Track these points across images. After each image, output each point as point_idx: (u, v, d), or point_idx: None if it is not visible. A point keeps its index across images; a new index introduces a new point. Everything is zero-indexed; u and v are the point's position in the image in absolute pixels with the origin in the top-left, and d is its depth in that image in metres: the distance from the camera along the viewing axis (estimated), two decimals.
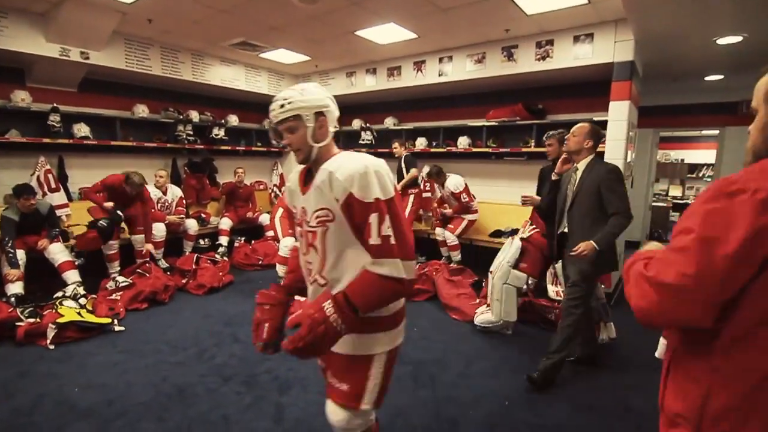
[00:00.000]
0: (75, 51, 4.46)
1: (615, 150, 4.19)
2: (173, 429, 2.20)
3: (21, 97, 4.53)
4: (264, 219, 6.02)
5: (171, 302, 4.10)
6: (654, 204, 7.54)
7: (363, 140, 6.48)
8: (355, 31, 4.62)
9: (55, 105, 4.67)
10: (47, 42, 4.25)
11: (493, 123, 5.38)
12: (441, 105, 6.20)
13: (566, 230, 2.76)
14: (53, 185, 4.75)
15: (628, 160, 4.47)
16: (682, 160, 10.27)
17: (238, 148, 6.62)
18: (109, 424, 2.23)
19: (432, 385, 2.67)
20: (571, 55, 4.37)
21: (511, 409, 2.44)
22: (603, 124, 4.38)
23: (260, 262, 5.37)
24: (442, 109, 6.19)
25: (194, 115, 6.01)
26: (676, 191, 10.28)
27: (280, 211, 4.54)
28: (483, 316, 3.53)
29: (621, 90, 4.14)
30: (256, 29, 4.65)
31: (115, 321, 3.50)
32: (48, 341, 3.11)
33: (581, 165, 2.68)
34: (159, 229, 4.84)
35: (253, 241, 5.84)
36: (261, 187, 7.08)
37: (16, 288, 3.72)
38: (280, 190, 6.87)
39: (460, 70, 5.17)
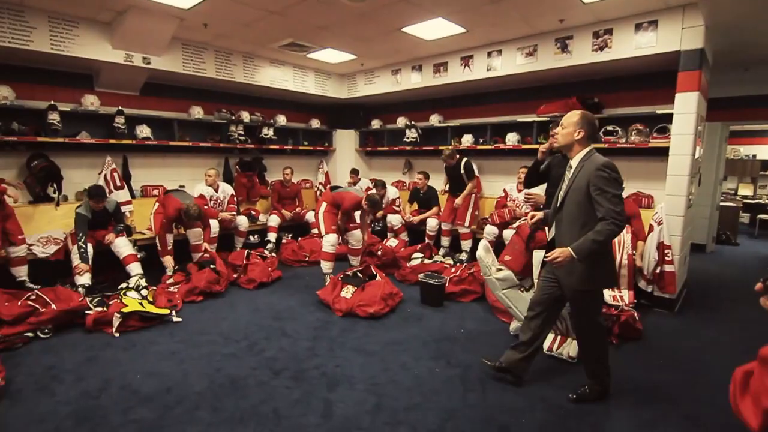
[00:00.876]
0: (138, 56, 4.73)
1: (682, 145, 3.89)
2: (227, 419, 2.27)
3: (90, 101, 4.87)
4: (310, 216, 6.14)
5: (224, 296, 4.26)
6: (722, 204, 6.96)
7: (408, 138, 6.44)
8: (402, 27, 4.58)
9: (120, 108, 4.98)
10: (113, 49, 4.54)
11: (545, 118, 5.15)
12: (488, 100, 6.03)
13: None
14: (118, 183, 5.08)
15: (696, 156, 4.13)
16: (754, 156, 9.42)
17: (285, 147, 6.78)
18: (168, 411, 2.34)
19: (481, 390, 2.59)
20: (631, 45, 4.09)
21: (566, 420, 2.32)
22: (667, 118, 4.09)
23: (307, 259, 5.47)
24: (490, 105, 6.02)
25: (245, 116, 6.22)
26: (746, 190, 9.45)
27: (324, 206, 4.60)
28: (513, 323, 3.39)
29: (689, 80, 3.83)
30: (305, 29, 4.72)
31: (173, 312, 3.68)
32: (113, 329, 3.32)
33: (574, 161, 2.33)
34: (213, 225, 5.04)
35: (299, 238, 5.97)
36: (307, 185, 7.23)
37: (84, 279, 4.01)
38: (324, 188, 6.97)
39: (510, 64, 4.99)
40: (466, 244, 5.38)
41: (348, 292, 3.95)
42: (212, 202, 5.32)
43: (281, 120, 6.71)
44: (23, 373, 2.71)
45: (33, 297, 3.45)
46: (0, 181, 4.00)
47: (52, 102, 4.50)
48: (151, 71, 4.98)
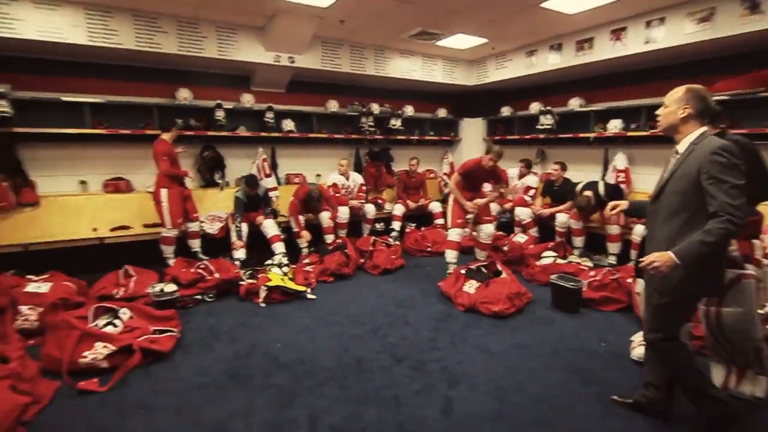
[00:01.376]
0: (284, 56, 5.22)
1: None
2: (352, 398, 2.37)
3: (247, 99, 5.57)
4: (434, 207, 6.11)
5: (352, 279, 4.51)
6: None
7: (542, 125, 5.93)
8: (541, 2, 4.18)
9: (270, 105, 5.58)
10: (265, 51, 5.08)
11: (724, 96, 4.21)
12: (642, 79, 5.19)
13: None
14: (267, 171, 5.74)
15: None
16: None
17: (412, 137, 6.85)
18: (301, 381, 2.55)
19: (627, 417, 2.24)
20: None
21: None
22: None
23: (429, 249, 5.47)
24: (644, 84, 5.17)
25: (375, 108, 6.44)
26: None
27: (455, 178, 4.56)
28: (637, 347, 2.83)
29: None
30: (435, 15, 4.64)
31: (309, 290, 4.02)
32: (260, 300, 3.76)
33: (681, 145, 1.89)
34: (343, 212, 5.37)
35: (423, 228, 6.00)
36: (431, 175, 7.21)
37: (240, 254, 4.65)
38: (449, 179, 6.86)
39: (675, 33, 4.19)
40: (613, 247, 4.78)
41: (471, 287, 3.82)
42: (343, 190, 5.66)
43: (408, 110, 6.78)
44: (192, 330, 3.24)
45: (202, 266, 4.10)
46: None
47: (219, 101, 5.25)
48: (295, 69, 5.46)
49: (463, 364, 2.75)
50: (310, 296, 3.93)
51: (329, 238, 5.24)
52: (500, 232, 5.45)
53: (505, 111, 6.89)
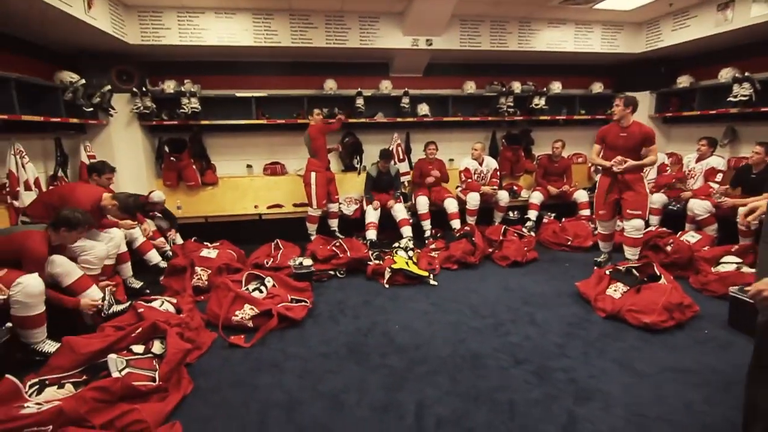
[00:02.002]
0: (422, 39, 5.18)
1: None
2: (462, 393, 2.27)
3: (385, 86, 5.72)
4: (580, 196, 5.43)
5: (477, 268, 4.33)
6: None
7: (735, 96, 4.68)
8: None
9: (406, 90, 5.64)
10: (403, 36, 5.12)
11: None
12: None
13: None
14: (401, 156, 5.87)
15: None
16: None
17: (558, 117, 6.16)
18: (414, 366, 2.55)
19: None
20: None
21: None
22: None
23: (569, 243, 4.90)
24: None
25: (516, 86, 5.97)
26: None
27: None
28: None
29: None
30: None
31: (431, 275, 3.99)
32: (384, 281, 3.89)
33: None
34: (473, 198, 5.16)
35: (564, 219, 5.40)
36: (579, 160, 6.41)
37: (371, 235, 4.88)
38: None
39: None
40: None
41: (617, 290, 3.28)
42: (476, 175, 5.43)
43: (556, 87, 6.09)
44: (323, 302, 3.53)
45: (337, 244, 4.43)
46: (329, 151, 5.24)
47: (359, 89, 5.52)
48: (433, 52, 5.38)
49: (597, 379, 2.38)
50: (432, 282, 3.90)
51: (455, 224, 5.12)
52: (664, 228, 4.55)
53: (683, 81, 5.64)
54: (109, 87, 4.63)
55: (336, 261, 4.20)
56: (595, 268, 3.98)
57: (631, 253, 3.91)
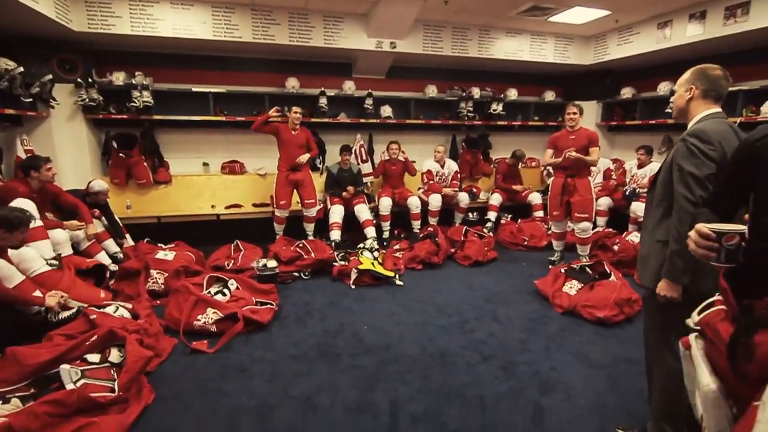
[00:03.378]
0: (386, 42, 5.22)
1: None
2: (434, 391, 2.31)
3: (348, 87, 5.70)
4: (533, 198, 5.70)
5: (441, 268, 4.42)
6: None
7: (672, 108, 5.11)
8: None
9: (369, 91, 5.65)
10: (368, 37, 5.13)
11: None
12: None
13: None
14: (364, 157, 5.86)
15: None
16: None
17: (514, 123, 6.43)
18: (385, 366, 2.56)
19: None
20: None
21: None
22: None
23: (525, 243, 5.13)
24: None
25: (476, 92, 6.15)
26: None
27: None
28: None
29: None
30: None
31: (397, 276, 4.03)
32: (351, 282, 3.87)
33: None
34: (435, 200, 5.26)
35: (520, 220, 5.64)
36: (533, 164, 6.72)
37: (336, 235, 4.83)
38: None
39: None
40: None
41: (572, 287, 3.48)
42: (437, 177, 5.54)
43: (512, 94, 6.36)
44: (289, 304, 3.46)
45: (301, 245, 4.35)
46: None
47: (322, 89, 5.46)
48: (396, 54, 5.43)
49: (559, 372, 2.51)
50: (398, 282, 3.94)
51: (416, 224, 5.21)
52: (611, 230, 4.88)
53: (626, 92, 6.09)
54: (50, 76, 4.25)
55: (300, 262, 4.13)
56: (550, 266, 4.19)
57: (582, 250, 4.18)
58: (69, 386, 1.91)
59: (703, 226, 1.06)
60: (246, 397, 2.25)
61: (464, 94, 6.06)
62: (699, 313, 1.11)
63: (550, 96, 6.60)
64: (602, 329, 3.06)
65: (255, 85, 5.47)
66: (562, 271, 3.72)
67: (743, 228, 1.01)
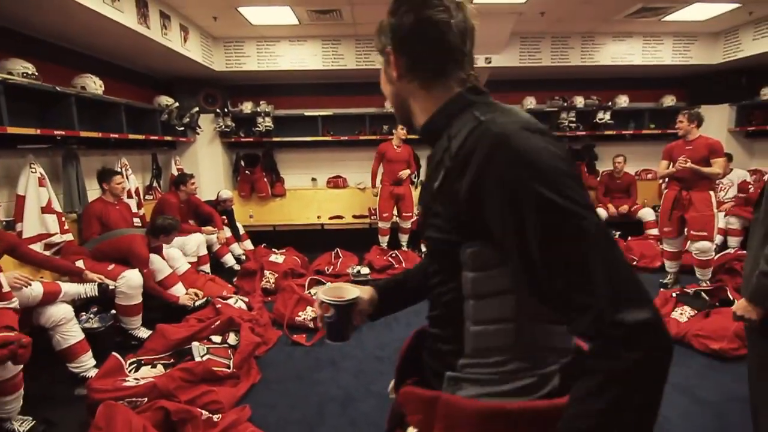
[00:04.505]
0: (481, 58, 5.29)
1: None
2: None
3: None
4: (646, 214, 5.18)
5: None
6: None
7: None
8: None
9: None
10: None
11: None
12: None
13: None
14: None
15: None
16: None
17: (624, 132, 5.93)
18: None
19: None
20: None
21: None
22: None
23: (634, 263, 4.68)
24: None
25: (579, 101, 5.85)
26: None
27: None
28: None
29: None
30: None
31: None
32: None
33: None
34: None
35: (629, 238, 5.16)
36: (649, 176, 6.09)
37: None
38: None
39: None
40: None
41: (683, 314, 3.13)
42: None
43: (622, 101, 5.89)
44: None
45: (393, 255, 4.65)
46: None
47: None
48: (492, 69, 5.46)
49: (662, 407, 2.31)
50: None
51: None
52: (743, 251, 4.22)
53: (766, 93, 5.22)
54: (197, 109, 5.24)
55: (392, 271, 4.38)
56: (661, 289, 3.79)
57: (701, 274, 3.70)
58: (197, 359, 2.38)
59: None
60: (333, 388, 2.52)
61: (565, 104, 5.81)
62: None
63: (669, 101, 5.95)
64: (716, 363, 2.70)
65: (357, 107, 5.96)
66: (673, 295, 3.35)
67: None
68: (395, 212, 5.24)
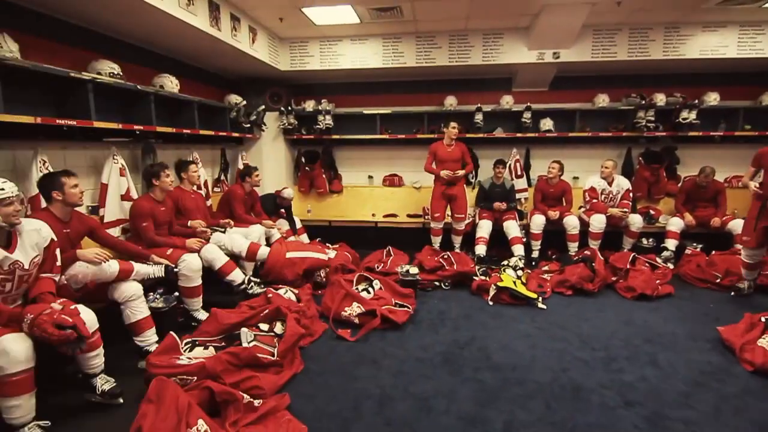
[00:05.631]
0: (548, 53, 5.01)
1: None
2: (556, 424, 2.16)
3: (506, 101, 5.65)
4: (735, 226, 4.59)
5: (595, 296, 3.98)
6: None
7: None
8: None
9: (528, 104, 5.47)
10: (528, 50, 5.02)
11: None
12: None
13: None
14: (519, 172, 5.71)
15: None
16: None
17: (713, 133, 5.30)
18: (508, 386, 2.50)
19: None
20: None
21: None
22: None
23: (718, 281, 4.16)
24: None
25: (659, 98, 5.33)
26: None
27: None
28: None
29: None
30: None
31: (540, 298, 3.81)
32: (488, 297, 3.84)
33: None
34: (597, 221, 4.75)
35: (713, 252, 4.60)
36: (739, 183, 5.39)
37: (480, 250, 4.84)
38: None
39: None
40: None
41: None
42: (602, 196, 4.99)
43: (711, 99, 5.28)
44: (425, 310, 3.65)
45: (445, 256, 4.52)
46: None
47: (479, 105, 5.55)
48: (560, 65, 5.15)
49: None
50: (540, 305, 3.72)
51: (573, 246, 4.78)
52: None
53: None
54: (263, 107, 5.50)
55: (442, 272, 4.29)
56: (732, 293, 3.37)
57: None
58: (245, 344, 2.50)
59: None
60: (372, 385, 2.51)
61: (644, 102, 5.31)
62: None
63: None
64: None
65: (415, 105, 5.91)
66: (762, 320, 2.94)
67: None
68: (448, 212, 5.13)
